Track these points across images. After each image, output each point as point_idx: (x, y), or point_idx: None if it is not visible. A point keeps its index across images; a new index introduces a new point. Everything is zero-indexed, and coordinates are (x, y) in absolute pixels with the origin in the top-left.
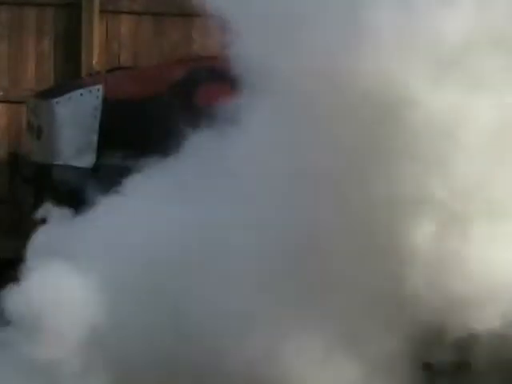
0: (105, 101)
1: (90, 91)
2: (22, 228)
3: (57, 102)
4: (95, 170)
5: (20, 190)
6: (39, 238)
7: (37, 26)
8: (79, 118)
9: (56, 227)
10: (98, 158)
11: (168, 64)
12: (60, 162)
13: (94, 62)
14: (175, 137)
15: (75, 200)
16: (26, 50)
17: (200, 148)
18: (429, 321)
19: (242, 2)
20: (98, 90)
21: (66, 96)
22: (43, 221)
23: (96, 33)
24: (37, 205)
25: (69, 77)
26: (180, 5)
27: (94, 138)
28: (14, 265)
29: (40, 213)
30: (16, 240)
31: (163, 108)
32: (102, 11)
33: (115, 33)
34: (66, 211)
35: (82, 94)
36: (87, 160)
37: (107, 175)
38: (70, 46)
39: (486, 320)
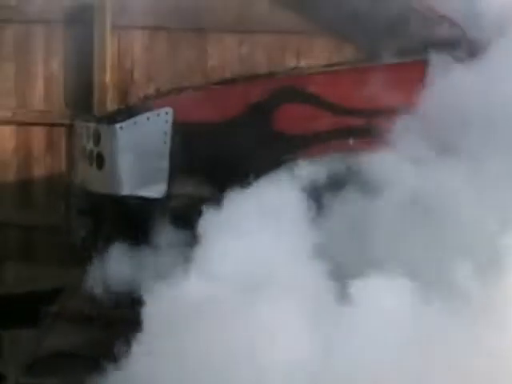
0: (175, 125)
1: (158, 115)
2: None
3: (121, 128)
4: (167, 201)
5: (74, 222)
6: None
7: (45, 45)
8: (147, 145)
9: None
10: (169, 187)
11: (245, 83)
12: (127, 193)
13: (106, 79)
14: (254, 163)
15: (143, 233)
16: (34, 70)
17: None
18: None
19: None
20: (167, 113)
21: (131, 120)
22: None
23: (108, 49)
24: (96, 238)
25: (79, 96)
26: (195, 19)
27: (164, 165)
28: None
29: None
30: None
31: (240, 132)
32: (113, 27)
33: (128, 49)
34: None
35: (148, 118)
36: (157, 189)
37: (180, 206)
38: (80, 64)
39: None
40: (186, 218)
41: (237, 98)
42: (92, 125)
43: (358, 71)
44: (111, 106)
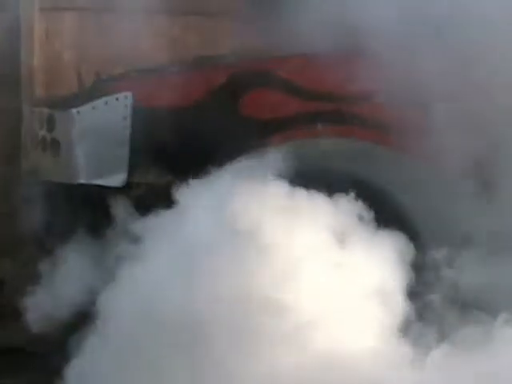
0: (135, 110)
1: (117, 99)
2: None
3: (78, 113)
4: (127, 190)
5: (26, 212)
6: None
7: None
8: (105, 131)
9: None
10: (129, 175)
11: (209, 66)
12: (83, 182)
13: (34, 62)
14: (217, 150)
15: (101, 223)
16: None
17: None
18: None
19: None
20: (126, 97)
21: (89, 105)
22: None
23: (36, 32)
24: (49, 229)
25: (6, 80)
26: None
27: (125, 152)
28: None
29: None
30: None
31: (204, 117)
32: (41, 9)
33: (57, 31)
34: None
35: (107, 103)
36: (117, 178)
37: (141, 195)
38: (7, 47)
39: None
40: (147, 208)
41: (200, 82)
42: (45, 110)
43: (331, 56)
44: (39, 89)
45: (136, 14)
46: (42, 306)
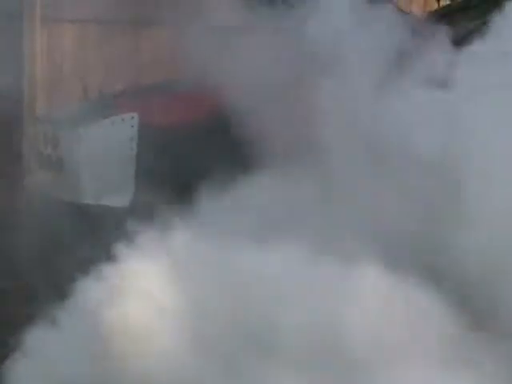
0: (141, 129)
1: (124, 120)
2: None
3: (84, 132)
4: (133, 210)
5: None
6: None
7: None
8: (111, 151)
9: None
10: (135, 195)
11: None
12: (88, 202)
13: (37, 73)
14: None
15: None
16: None
17: None
18: None
19: None
20: (133, 117)
21: (95, 125)
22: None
23: (38, 43)
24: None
25: (8, 90)
26: (128, 12)
27: (130, 172)
28: None
29: None
30: None
31: (209, 136)
32: (43, 20)
33: (58, 42)
34: None
35: (113, 123)
36: (123, 198)
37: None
38: (10, 58)
39: None
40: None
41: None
42: (50, 128)
43: None
44: (41, 99)
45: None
46: None
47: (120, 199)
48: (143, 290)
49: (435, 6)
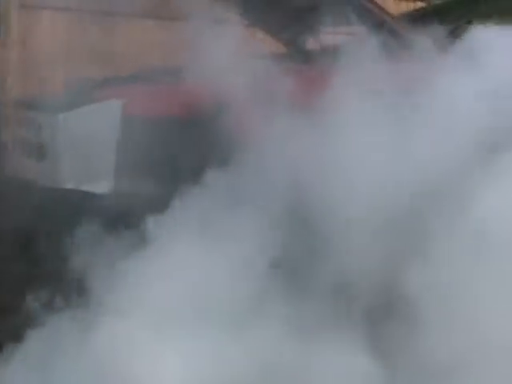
0: (123, 118)
1: (106, 107)
2: None
3: (65, 118)
4: (112, 197)
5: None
6: None
7: None
8: (92, 138)
9: None
10: (115, 183)
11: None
12: (69, 187)
13: (12, 59)
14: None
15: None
16: None
17: None
18: None
19: None
20: (115, 105)
21: (76, 111)
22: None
23: (14, 29)
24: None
25: None
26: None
27: (111, 160)
28: None
29: None
30: None
31: (191, 128)
32: (21, 6)
33: (35, 29)
34: None
35: (95, 110)
36: (103, 185)
37: (126, 203)
38: None
39: None
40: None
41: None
42: (31, 113)
43: None
44: (16, 86)
45: (119, 16)
46: None
47: (101, 185)
48: None
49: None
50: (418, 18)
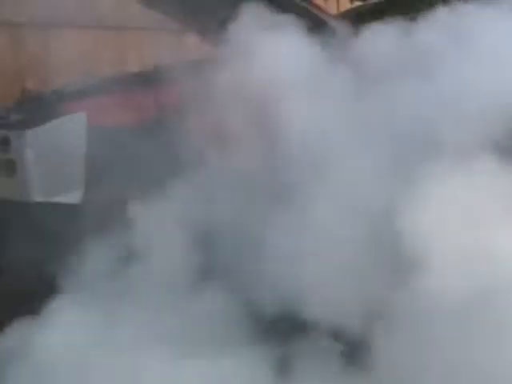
0: (89, 129)
1: (72, 119)
2: None
3: (33, 133)
4: (83, 206)
5: None
6: None
7: None
8: (61, 150)
9: None
10: (85, 192)
11: (158, 86)
12: (41, 200)
13: None
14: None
15: (58, 239)
16: None
17: None
18: None
19: None
20: (81, 117)
21: (44, 126)
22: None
23: None
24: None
25: None
26: (39, 14)
27: (80, 170)
28: None
29: None
30: None
31: (156, 135)
32: None
33: None
34: None
35: (62, 123)
36: (73, 195)
37: (97, 211)
38: None
39: None
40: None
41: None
42: None
43: None
44: None
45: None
46: None
47: (71, 196)
48: None
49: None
50: (354, 17)
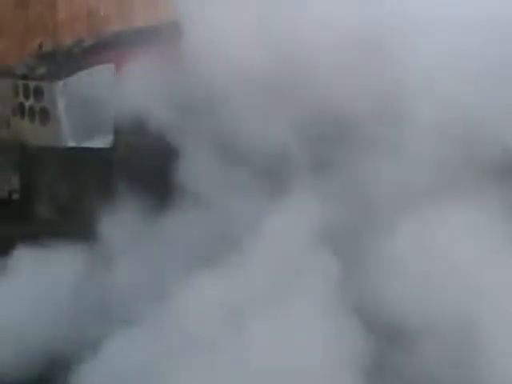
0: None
1: (101, 70)
2: None
3: (64, 84)
4: (113, 150)
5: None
6: None
7: None
8: (91, 99)
9: None
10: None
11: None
12: (76, 145)
13: None
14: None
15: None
16: None
17: None
18: None
19: None
20: (109, 68)
21: (75, 77)
22: None
23: None
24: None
25: None
26: None
27: (110, 117)
28: None
29: None
30: None
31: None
32: None
33: None
34: None
35: (91, 74)
36: (104, 140)
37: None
38: None
39: None
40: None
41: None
42: (31, 82)
43: None
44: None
45: None
46: None
47: (101, 141)
48: None
49: None
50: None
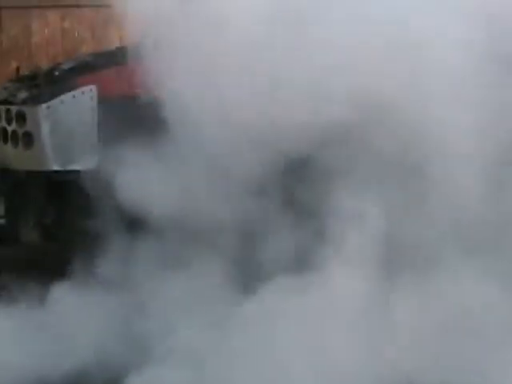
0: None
1: (83, 93)
2: None
3: (48, 107)
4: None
5: None
6: None
7: None
8: (74, 121)
9: None
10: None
11: None
12: (60, 168)
13: None
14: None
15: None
16: None
17: None
18: None
19: None
20: (91, 90)
21: (57, 100)
22: None
23: None
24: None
25: None
26: None
27: (94, 138)
28: None
29: None
30: None
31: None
32: None
33: None
34: None
35: (74, 96)
36: (89, 161)
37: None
38: None
39: None
40: None
41: None
42: (13, 106)
43: None
44: None
45: None
46: None
47: (86, 162)
48: None
49: None
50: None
